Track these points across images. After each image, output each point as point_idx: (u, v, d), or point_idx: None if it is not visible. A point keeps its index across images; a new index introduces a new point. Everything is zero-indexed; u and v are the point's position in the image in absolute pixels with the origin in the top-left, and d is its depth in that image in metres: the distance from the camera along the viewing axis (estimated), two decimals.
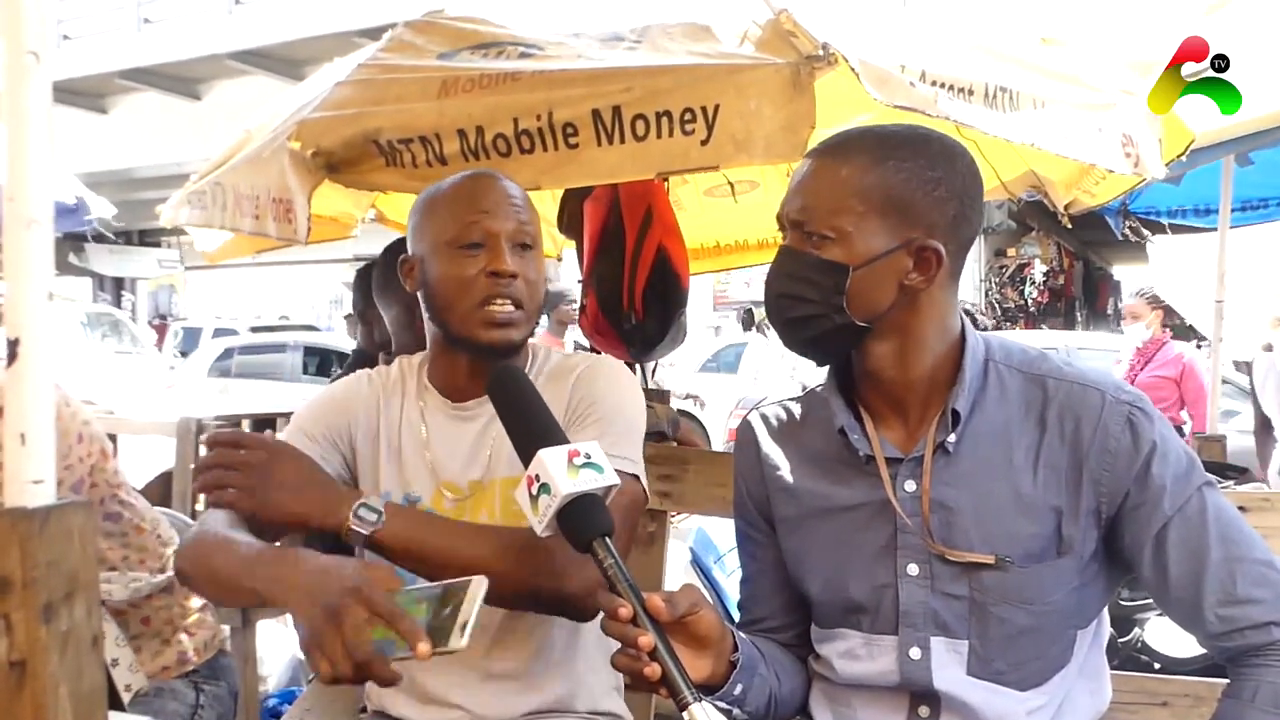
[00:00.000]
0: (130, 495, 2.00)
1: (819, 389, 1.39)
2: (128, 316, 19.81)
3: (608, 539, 1.13)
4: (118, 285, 24.20)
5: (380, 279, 2.72)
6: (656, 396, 3.33)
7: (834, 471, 1.34)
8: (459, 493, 1.53)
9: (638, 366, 3.47)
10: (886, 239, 1.23)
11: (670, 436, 2.77)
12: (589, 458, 1.16)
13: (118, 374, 13.16)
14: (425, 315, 1.56)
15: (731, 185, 3.46)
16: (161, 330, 20.52)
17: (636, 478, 1.46)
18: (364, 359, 2.45)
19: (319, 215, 2.57)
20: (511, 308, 1.48)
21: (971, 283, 13.28)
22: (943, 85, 1.81)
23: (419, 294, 1.56)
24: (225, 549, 1.27)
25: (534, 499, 1.14)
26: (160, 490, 3.66)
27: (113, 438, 3.69)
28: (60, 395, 1.81)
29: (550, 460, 1.13)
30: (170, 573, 2.04)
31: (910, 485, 1.28)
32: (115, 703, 1.89)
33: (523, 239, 1.52)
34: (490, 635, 1.50)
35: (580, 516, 1.13)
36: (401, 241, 1.60)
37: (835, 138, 1.31)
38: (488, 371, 1.49)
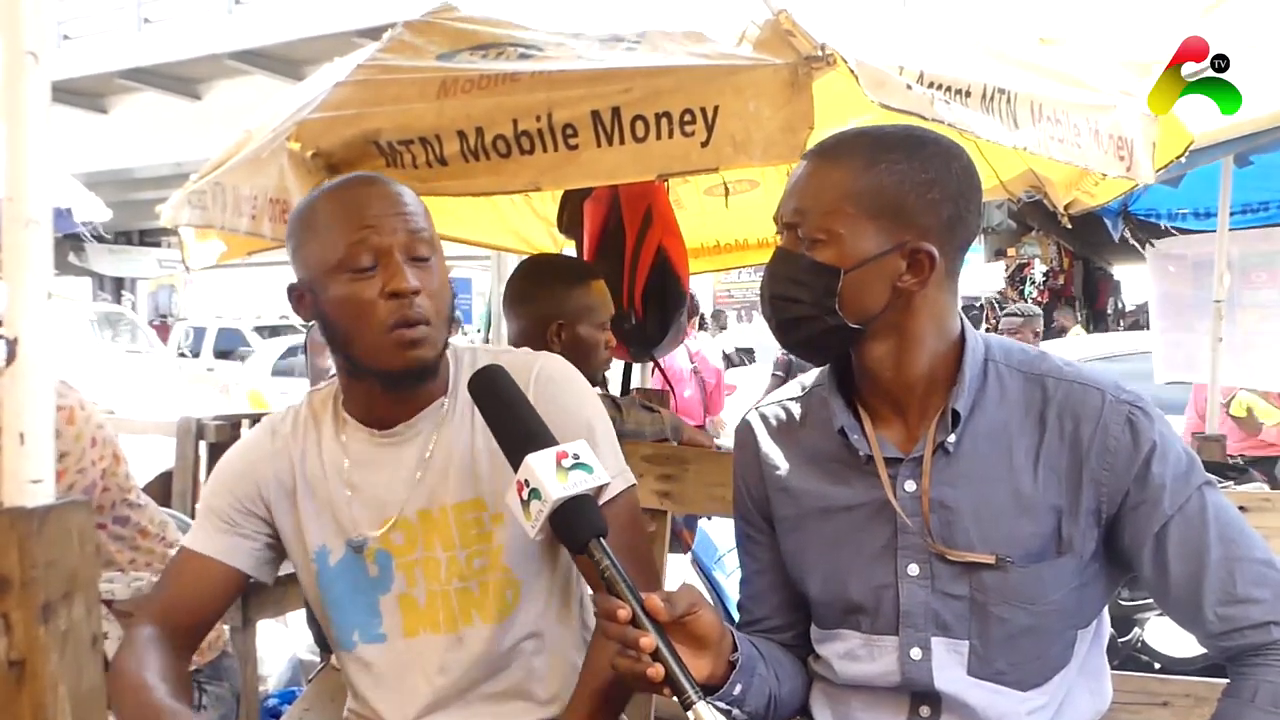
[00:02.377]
0: (140, 498, 2.01)
1: (819, 388, 1.39)
2: (150, 315, 19.80)
3: (602, 540, 1.13)
4: (117, 285, 24.21)
5: None
6: (657, 399, 3.32)
7: (833, 471, 1.34)
8: (408, 527, 1.45)
9: (635, 367, 3.47)
10: (879, 241, 1.23)
11: (673, 441, 2.76)
12: (578, 458, 1.14)
13: (129, 374, 13.20)
14: (327, 344, 1.45)
15: (726, 188, 3.46)
16: (164, 330, 20.49)
17: (630, 486, 1.46)
18: None
19: None
20: (422, 327, 1.36)
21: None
22: (940, 87, 1.81)
23: (316, 321, 1.43)
24: (136, 698, 1.30)
25: (525, 504, 1.13)
26: (160, 490, 3.65)
27: None
28: (75, 398, 1.81)
29: (538, 465, 1.12)
30: None
31: (910, 485, 1.28)
32: None
33: (417, 250, 1.38)
34: (479, 669, 1.47)
35: (573, 519, 1.13)
36: None
37: (831, 139, 1.31)
38: (406, 395, 1.43)
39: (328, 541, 1.47)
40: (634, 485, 1.47)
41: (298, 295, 1.44)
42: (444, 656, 1.46)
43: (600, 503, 1.38)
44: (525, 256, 3.24)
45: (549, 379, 1.46)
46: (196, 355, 17.22)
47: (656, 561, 1.52)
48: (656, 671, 1.09)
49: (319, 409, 1.52)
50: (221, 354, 16.84)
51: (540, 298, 2.28)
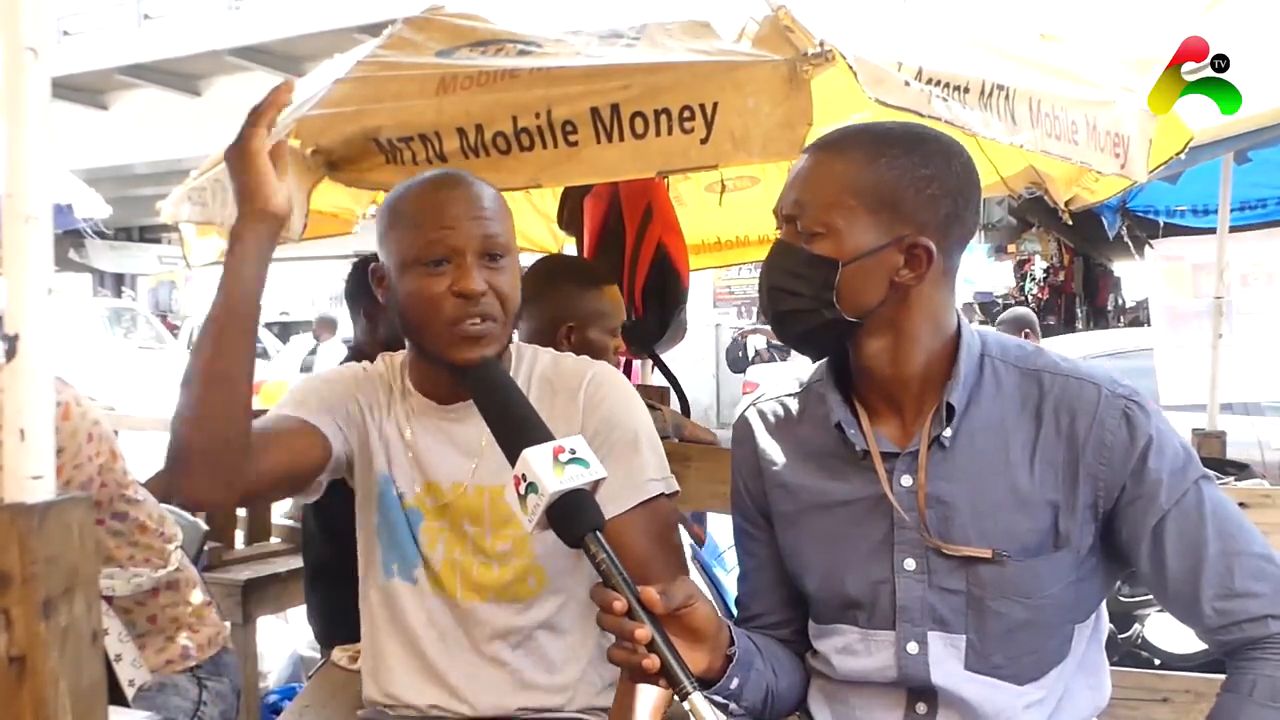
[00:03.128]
0: (138, 494, 2.01)
1: (816, 384, 1.39)
2: (150, 312, 19.74)
3: (599, 533, 1.14)
4: (118, 281, 24.15)
5: (350, 288, 2.86)
6: (658, 396, 3.32)
7: (830, 466, 1.35)
8: (441, 496, 1.53)
9: (636, 363, 3.47)
10: (877, 236, 1.24)
11: (674, 439, 2.76)
12: (574, 453, 1.15)
13: (141, 370, 13.22)
14: (398, 327, 1.51)
15: (722, 185, 3.46)
16: (164, 325, 20.43)
17: (672, 494, 1.51)
18: (360, 355, 2.45)
19: (319, 211, 2.57)
20: (486, 323, 1.43)
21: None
22: (938, 83, 1.80)
23: (389, 305, 1.50)
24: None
25: (522, 498, 1.14)
26: (162, 486, 3.65)
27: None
28: (71, 394, 1.81)
29: (535, 459, 1.13)
30: (172, 567, 2.05)
31: (907, 480, 1.28)
32: (119, 698, 1.89)
33: (491, 249, 1.44)
34: (490, 642, 1.52)
35: (570, 513, 1.13)
36: (374, 257, 1.55)
37: (833, 134, 1.32)
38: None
39: (389, 474, 1.56)
40: (677, 492, 1.53)
41: (378, 276, 1.52)
42: (458, 619, 1.53)
43: (640, 502, 1.46)
44: (525, 253, 3.24)
45: (599, 385, 1.52)
46: None
47: (685, 563, 1.57)
48: (652, 663, 1.09)
49: (391, 371, 1.60)
50: None
51: (553, 299, 2.28)
